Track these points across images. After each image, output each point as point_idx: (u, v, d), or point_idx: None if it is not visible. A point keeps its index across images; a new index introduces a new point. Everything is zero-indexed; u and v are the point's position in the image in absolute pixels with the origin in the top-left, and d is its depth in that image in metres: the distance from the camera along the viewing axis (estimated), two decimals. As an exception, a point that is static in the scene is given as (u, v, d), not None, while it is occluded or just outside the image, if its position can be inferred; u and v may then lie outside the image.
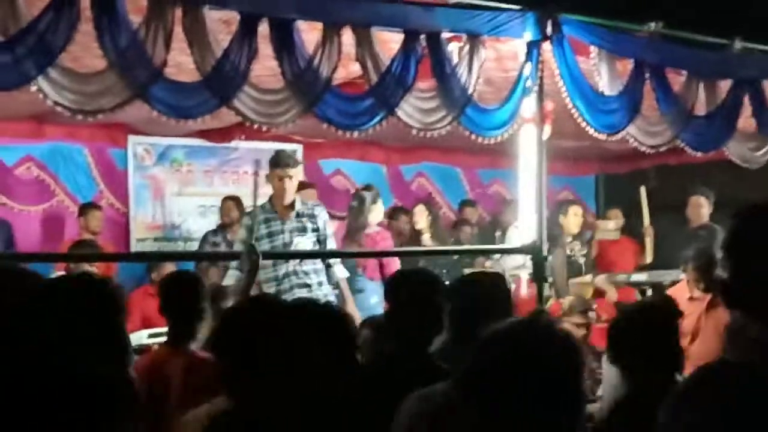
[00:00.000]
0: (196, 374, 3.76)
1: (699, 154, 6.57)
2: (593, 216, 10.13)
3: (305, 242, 6.55)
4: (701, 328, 6.00)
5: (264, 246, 6.31)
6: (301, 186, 7.36)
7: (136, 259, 8.26)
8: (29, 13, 4.28)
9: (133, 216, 8.51)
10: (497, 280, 3.97)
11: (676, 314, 3.39)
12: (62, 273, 6.83)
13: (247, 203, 8.05)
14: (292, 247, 6.48)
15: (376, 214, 7.70)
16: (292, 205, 6.56)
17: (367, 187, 7.86)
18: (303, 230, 6.55)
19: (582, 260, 8.26)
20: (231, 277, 6.29)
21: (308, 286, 6.45)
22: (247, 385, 2.45)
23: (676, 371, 3.23)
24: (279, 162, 6.55)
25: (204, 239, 8.32)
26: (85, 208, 8.00)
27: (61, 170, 8.27)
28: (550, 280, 6.33)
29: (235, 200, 8.27)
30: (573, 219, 8.22)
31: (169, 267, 7.78)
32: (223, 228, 8.25)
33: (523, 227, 6.25)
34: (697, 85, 6.30)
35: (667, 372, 3.18)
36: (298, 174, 6.72)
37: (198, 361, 3.88)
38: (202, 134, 8.34)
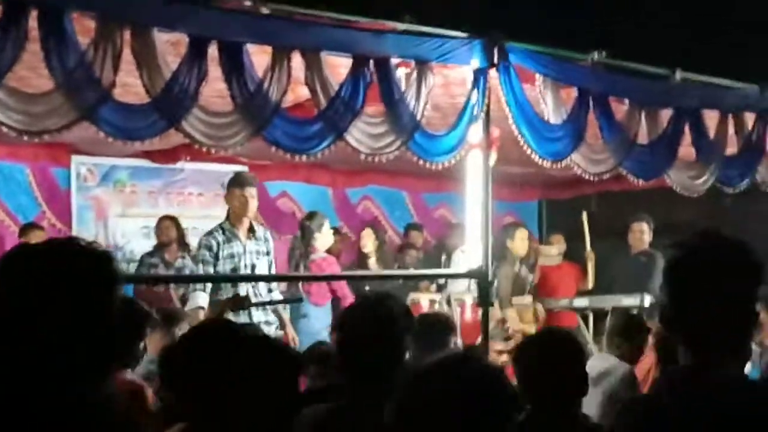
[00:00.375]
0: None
1: (641, 182, 6.68)
2: (536, 241, 10.25)
3: (263, 265, 6.57)
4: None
5: (226, 266, 6.34)
6: None
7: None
8: (-25, 32, 4.23)
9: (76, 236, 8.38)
10: None
11: (576, 342, 3.46)
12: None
13: (187, 224, 8.04)
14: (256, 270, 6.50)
15: (324, 240, 7.72)
16: (251, 227, 6.57)
17: (310, 216, 7.88)
18: (263, 253, 6.58)
19: (528, 282, 8.34)
20: (198, 298, 6.25)
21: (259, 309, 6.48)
22: (192, 418, 2.39)
23: (578, 397, 3.28)
24: (242, 182, 6.59)
25: (141, 262, 8.22)
26: (26, 229, 7.88)
27: (2, 189, 8.15)
28: (494, 297, 6.39)
29: (173, 220, 8.21)
30: (520, 243, 8.32)
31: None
32: (160, 248, 8.15)
33: (469, 252, 6.30)
34: (640, 114, 6.42)
35: (567, 398, 3.22)
36: (256, 194, 6.72)
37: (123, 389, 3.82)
38: (147, 155, 8.29)
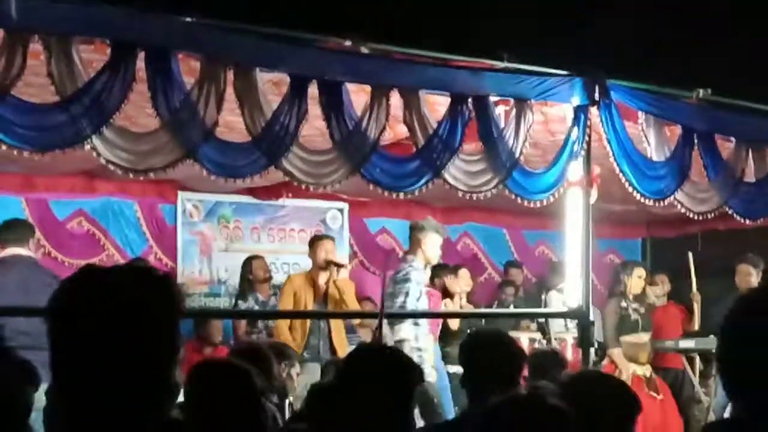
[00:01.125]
0: None
1: (748, 221, 6.49)
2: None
3: None
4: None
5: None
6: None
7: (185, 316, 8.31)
8: (86, 73, 4.39)
9: (181, 271, 8.58)
10: None
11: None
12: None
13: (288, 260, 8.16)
14: None
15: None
16: None
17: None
18: None
19: (638, 317, 8.01)
20: (401, 331, 6.55)
21: None
22: None
23: None
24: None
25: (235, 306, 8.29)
26: (133, 263, 8.09)
27: (111, 225, 8.39)
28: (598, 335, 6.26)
29: (263, 259, 8.28)
30: (636, 280, 8.08)
31: (216, 323, 7.85)
32: (250, 287, 8.07)
33: (568, 290, 6.21)
34: (746, 152, 6.27)
35: None
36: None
37: None
38: (250, 191, 8.45)
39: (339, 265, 7.33)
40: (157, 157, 4.58)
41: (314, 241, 7.56)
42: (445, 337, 7.88)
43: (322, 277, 7.33)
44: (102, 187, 8.11)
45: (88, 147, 4.43)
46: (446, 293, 8.34)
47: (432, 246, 7.01)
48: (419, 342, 6.66)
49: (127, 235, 8.47)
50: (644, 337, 7.89)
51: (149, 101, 4.53)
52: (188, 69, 4.66)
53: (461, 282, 8.45)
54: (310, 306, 7.21)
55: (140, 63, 4.47)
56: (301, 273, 7.68)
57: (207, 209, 8.75)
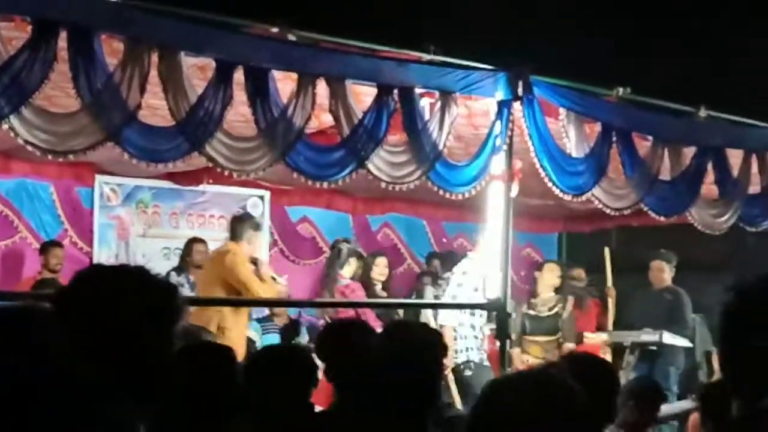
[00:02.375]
0: None
1: (662, 218, 6.66)
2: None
3: None
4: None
5: None
6: None
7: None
8: (5, 51, 4.28)
9: (97, 255, 8.43)
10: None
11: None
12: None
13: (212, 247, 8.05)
14: None
15: (350, 269, 7.77)
16: None
17: (346, 240, 7.97)
18: None
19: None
20: None
21: None
22: None
23: None
24: None
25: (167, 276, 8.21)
26: (46, 246, 7.94)
27: (26, 206, 8.20)
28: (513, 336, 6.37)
29: (206, 244, 8.22)
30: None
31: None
32: (185, 268, 8.15)
33: (489, 283, 6.28)
34: (663, 151, 6.41)
35: None
36: None
37: None
38: (170, 176, 8.33)
39: (254, 262, 7.17)
40: (78, 139, 4.48)
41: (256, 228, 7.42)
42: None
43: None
44: (17, 167, 7.90)
45: (5, 127, 4.32)
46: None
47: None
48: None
49: (41, 218, 8.29)
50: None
51: (71, 82, 4.44)
52: (111, 50, 4.57)
53: (377, 270, 8.45)
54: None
55: (62, 42, 4.37)
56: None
57: (125, 193, 8.61)
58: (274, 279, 7.23)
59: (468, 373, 7.16)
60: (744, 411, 1.95)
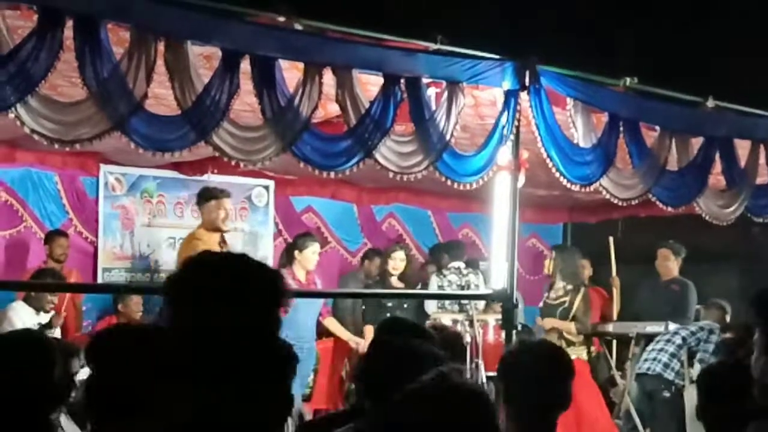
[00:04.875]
0: None
1: (669, 209, 6.64)
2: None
3: None
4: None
5: None
6: None
7: (99, 290, 8.18)
8: (11, 40, 4.26)
9: (102, 245, 8.42)
10: None
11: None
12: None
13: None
14: None
15: (305, 261, 7.76)
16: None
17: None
18: None
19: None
20: None
21: None
22: None
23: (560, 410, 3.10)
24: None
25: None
26: (51, 236, 7.92)
27: (31, 196, 8.19)
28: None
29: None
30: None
31: (136, 299, 7.74)
32: None
33: (494, 274, 6.26)
34: (670, 141, 6.39)
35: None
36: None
37: None
38: (175, 166, 8.32)
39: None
40: (84, 128, 4.47)
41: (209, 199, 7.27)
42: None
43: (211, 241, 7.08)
44: (22, 157, 7.88)
45: (12, 116, 4.31)
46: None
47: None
48: None
49: (46, 207, 8.27)
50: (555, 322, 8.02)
51: (76, 71, 4.42)
52: (118, 39, 4.56)
53: (392, 263, 8.42)
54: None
55: (68, 31, 4.35)
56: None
57: (130, 183, 8.59)
58: None
59: None
60: None
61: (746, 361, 4.22)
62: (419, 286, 8.95)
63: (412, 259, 9.06)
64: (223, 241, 7.17)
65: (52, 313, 7.21)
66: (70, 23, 4.34)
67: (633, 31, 9.90)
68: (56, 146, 4.59)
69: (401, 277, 8.47)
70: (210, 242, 6.98)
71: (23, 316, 7.02)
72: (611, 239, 8.98)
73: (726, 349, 5.83)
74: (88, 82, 4.41)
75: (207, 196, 7.25)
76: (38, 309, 7.13)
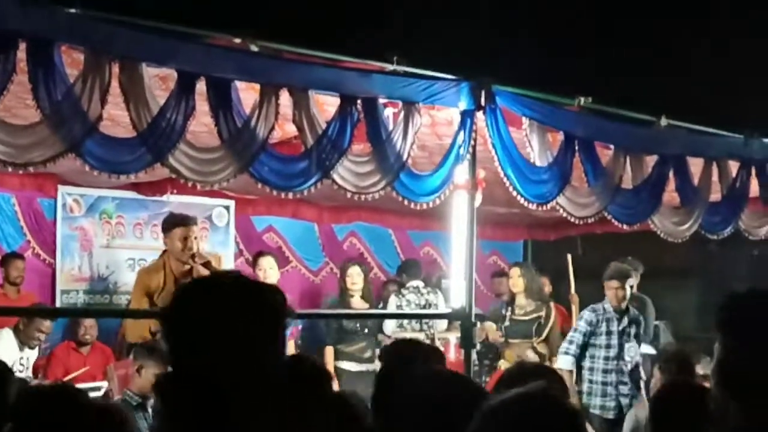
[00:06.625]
0: None
1: (625, 227, 6.72)
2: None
3: None
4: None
5: None
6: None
7: (61, 315, 8.09)
8: (-38, 63, 4.24)
9: (60, 267, 8.35)
10: None
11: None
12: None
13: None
14: None
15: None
16: None
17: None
18: None
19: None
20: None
21: None
22: None
23: None
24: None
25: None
26: (7, 258, 7.84)
27: (-12, 218, 8.12)
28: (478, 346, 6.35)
29: None
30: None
31: (91, 322, 7.67)
32: None
33: (454, 292, 6.30)
34: (625, 159, 6.47)
35: None
36: None
37: None
38: (134, 187, 8.28)
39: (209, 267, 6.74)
40: (38, 151, 4.44)
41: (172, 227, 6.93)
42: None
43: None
44: (-22, 179, 7.82)
45: (-37, 139, 4.28)
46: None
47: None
48: None
49: (3, 229, 8.19)
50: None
51: (30, 93, 4.40)
52: (71, 61, 4.54)
53: (349, 280, 8.43)
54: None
55: (21, 54, 4.33)
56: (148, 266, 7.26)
57: (88, 204, 8.53)
58: None
59: None
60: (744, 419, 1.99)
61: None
62: (380, 305, 8.96)
63: (369, 277, 9.04)
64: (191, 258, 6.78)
65: (37, 351, 7.08)
66: (23, 45, 4.33)
67: (586, 51, 10.03)
68: (10, 169, 4.56)
69: (364, 297, 8.46)
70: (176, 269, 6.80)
71: (7, 346, 6.87)
72: (569, 256, 9.06)
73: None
74: (41, 104, 4.39)
75: (172, 222, 6.97)
76: (24, 343, 6.98)
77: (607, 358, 7.26)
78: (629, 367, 7.23)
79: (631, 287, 7.45)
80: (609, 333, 7.27)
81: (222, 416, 1.80)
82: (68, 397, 2.97)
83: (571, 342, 7.39)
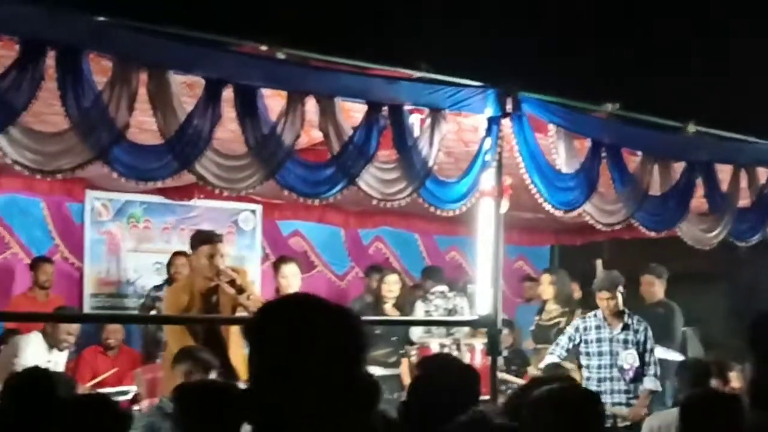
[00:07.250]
0: None
1: (652, 234, 6.67)
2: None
3: None
4: None
5: None
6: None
7: (85, 320, 8.10)
8: (-6, 70, 4.28)
9: (87, 271, 8.41)
10: None
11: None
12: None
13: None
14: None
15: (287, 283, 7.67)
16: None
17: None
18: None
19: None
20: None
21: None
22: None
23: None
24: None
25: (147, 295, 8.16)
26: (36, 262, 7.92)
27: (16, 222, 8.18)
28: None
29: (188, 257, 8.10)
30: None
31: (116, 327, 7.71)
32: (169, 283, 8.04)
33: (480, 299, 6.27)
34: (652, 166, 6.42)
35: None
36: None
37: None
38: (161, 191, 8.31)
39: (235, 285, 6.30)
40: (66, 158, 4.48)
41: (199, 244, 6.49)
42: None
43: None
44: (7, 183, 7.86)
45: (-6, 145, 4.32)
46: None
47: None
48: None
49: (32, 234, 8.27)
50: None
51: (58, 101, 4.43)
52: (100, 69, 4.57)
53: (385, 287, 8.36)
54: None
55: (50, 61, 4.37)
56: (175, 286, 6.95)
57: (116, 208, 8.59)
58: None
59: None
60: None
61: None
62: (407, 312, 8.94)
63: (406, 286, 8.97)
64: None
65: (67, 353, 7.11)
66: (52, 53, 4.36)
67: (614, 57, 9.97)
68: (38, 176, 4.60)
69: (397, 305, 8.38)
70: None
71: (36, 350, 6.89)
72: (599, 262, 9.00)
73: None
74: (70, 112, 4.43)
75: (198, 240, 6.56)
76: (52, 345, 6.98)
77: (599, 366, 7.18)
78: (630, 375, 7.11)
79: (622, 294, 7.35)
80: (599, 340, 7.19)
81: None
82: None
83: (557, 344, 7.43)
